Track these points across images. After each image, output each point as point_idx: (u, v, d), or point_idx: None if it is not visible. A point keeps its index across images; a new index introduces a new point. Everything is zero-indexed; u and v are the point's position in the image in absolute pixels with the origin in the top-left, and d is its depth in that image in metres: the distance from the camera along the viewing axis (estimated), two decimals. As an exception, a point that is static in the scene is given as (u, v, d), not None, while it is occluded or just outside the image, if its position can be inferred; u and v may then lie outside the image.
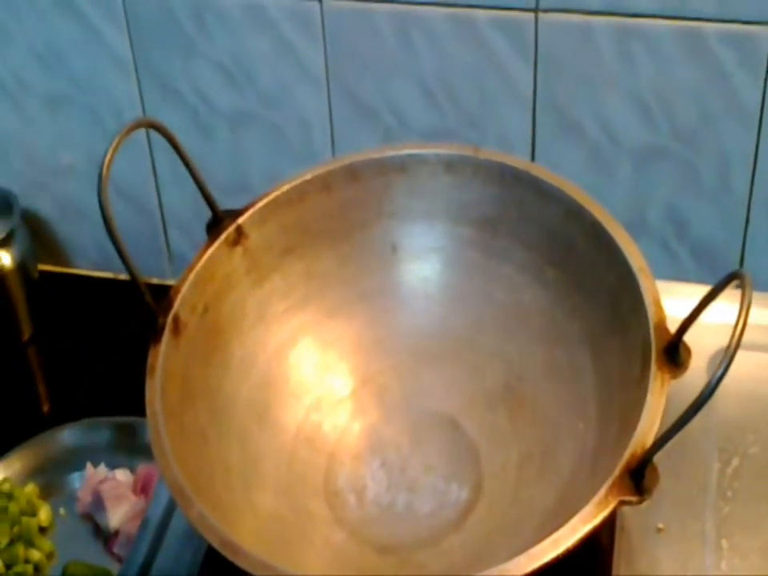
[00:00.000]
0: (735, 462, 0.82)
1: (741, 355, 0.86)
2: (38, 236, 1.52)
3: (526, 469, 0.78)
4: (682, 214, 1.27)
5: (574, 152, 1.26)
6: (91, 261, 1.54)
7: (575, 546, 0.64)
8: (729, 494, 0.80)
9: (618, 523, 0.79)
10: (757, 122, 1.18)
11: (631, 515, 0.80)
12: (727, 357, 0.61)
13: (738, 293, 0.64)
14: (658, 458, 0.78)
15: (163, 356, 0.72)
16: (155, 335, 0.73)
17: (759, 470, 0.82)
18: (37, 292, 1.48)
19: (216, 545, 0.65)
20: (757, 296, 0.90)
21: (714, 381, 0.60)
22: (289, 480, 0.79)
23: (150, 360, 0.72)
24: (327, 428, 0.82)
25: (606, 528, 0.78)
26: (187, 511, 0.67)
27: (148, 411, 0.70)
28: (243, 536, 0.67)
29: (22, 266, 1.43)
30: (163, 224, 1.49)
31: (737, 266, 1.28)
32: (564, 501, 0.72)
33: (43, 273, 1.52)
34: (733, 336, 0.62)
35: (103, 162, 0.71)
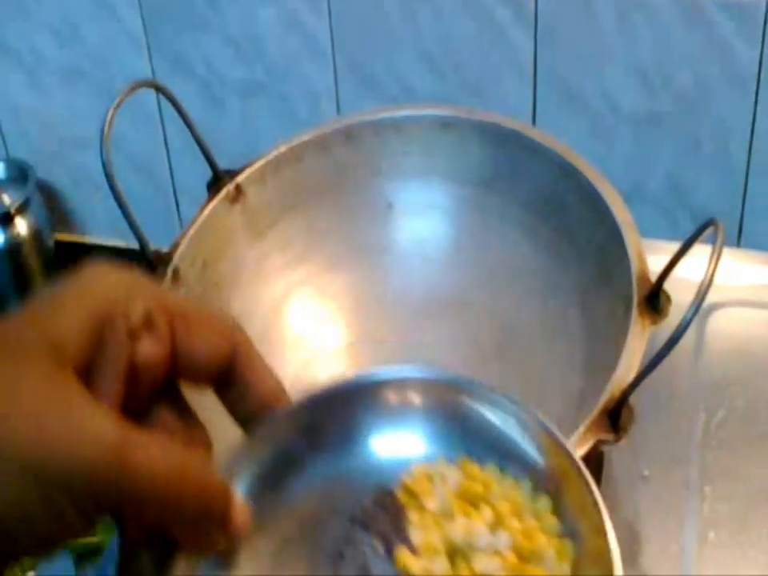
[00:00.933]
0: (721, 413, 0.84)
1: (730, 312, 0.89)
2: (53, 206, 1.55)
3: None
4: (682, 181, 1.29)
5: (574, 121, 1.28)
6: (105, 230, 1.57)
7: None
8: (713, 443, 0.82)
9: (604, 471, 0.81)
10: (754, 90, 1.20)
11: (617, 463, 0.82)
12: (699, 297, 0.63)
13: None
14: (646, 410, 0.80)
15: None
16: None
17: (744, 421, 0.83)
18: (52, 260, 1.50)
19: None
20: (749, 254, 0.92)
21: (687, 318, 0.62)
22: (267, 338, 0.82)
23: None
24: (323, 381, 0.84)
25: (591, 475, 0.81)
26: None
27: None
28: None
29: (37, 235, 1.46)
30: (175, 195, 1.51)
31: (736, 231, 1.30)
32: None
33: (58, 242, 1.55)
34: (705, 276, 0.64)
35: (105, 119, 0.74)
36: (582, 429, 0.67)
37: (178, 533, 0.55)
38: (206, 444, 0.57)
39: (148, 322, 0.52)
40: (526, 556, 0.62)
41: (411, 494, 0.64)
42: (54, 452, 0.47)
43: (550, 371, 0.80)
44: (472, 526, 0.62)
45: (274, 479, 0.62)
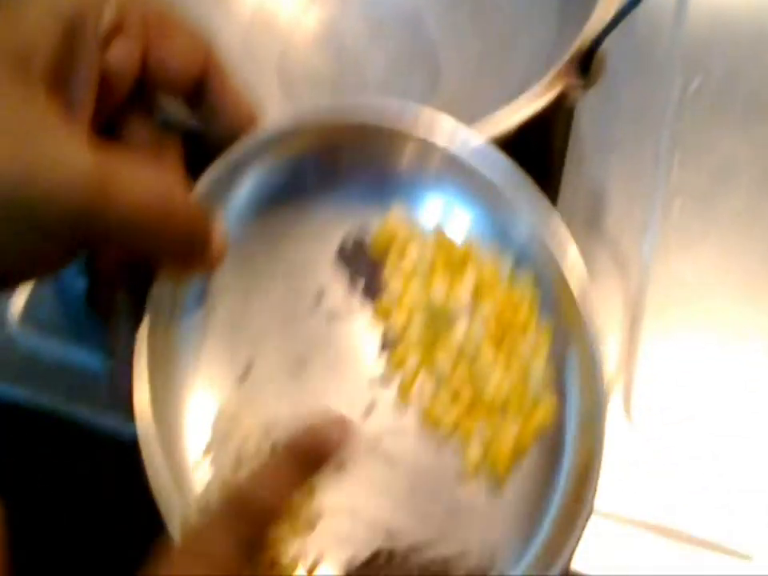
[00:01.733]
0: (697, 81, 0.81)
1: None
2: None
3: (483, 66, 0.77)
4: None
5: None
6: None
7: (519, 126, 0.64)
8: (687, 112, 0.80)
9: (572, 134, 0.79)
10: None
11: (587, 126, 0.79)
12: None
13: None
14: (621, 72, 0.78)
15: None
16: None
17: (720, 90, 0.81)
18: None
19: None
20: None
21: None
22: (243, 61, 0.76)
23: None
24: (284, 14, 0.80)
25: (558, 139, 0.78)
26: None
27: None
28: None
29: None
30: None
31: None
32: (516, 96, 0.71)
33: None
34: None
35: None
36: (551, 73, 0.64)
37: (157, 262, 0.53)
38: (179, 156, 0.55)
39: (120, 24, 0.49)
40: (507, 328, 0.60)
41: (389, 237, 0.62)
42: (27, 184, 0.43)
43: (523, 16, 0.77)
44: (454, 289, 0.60)
45: (250, 207, 0.60)
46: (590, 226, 0.76)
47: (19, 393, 0.67)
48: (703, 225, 0.76)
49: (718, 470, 0.68)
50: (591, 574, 0.65)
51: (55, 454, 0.71)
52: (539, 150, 0.77)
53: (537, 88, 0.64)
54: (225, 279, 0.59)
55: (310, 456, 0.52)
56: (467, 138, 0.60)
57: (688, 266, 0.74)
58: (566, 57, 0.64)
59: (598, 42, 0.63)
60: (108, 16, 0.49)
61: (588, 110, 0.79)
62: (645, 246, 0.75)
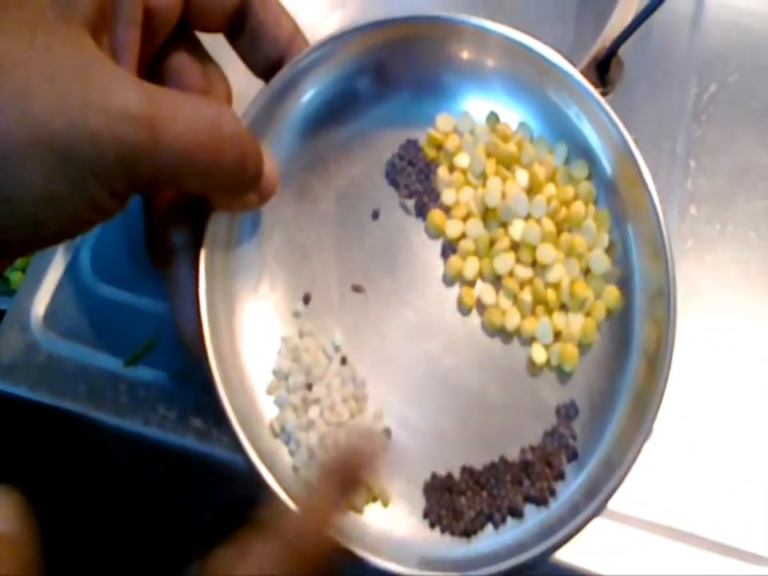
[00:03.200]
0: (713, 87, 0.81)
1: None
2: None
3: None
4: None
5: None
6: None
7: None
8: (703, 117, 0.80)
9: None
10: None
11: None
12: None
13: None
14: (637, 78, 0.78)
15: None
16: None
17: (736, 97, 0.81)
18: None
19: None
20: None
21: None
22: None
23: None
24: (306, 19, 0.78)
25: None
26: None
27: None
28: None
29: None
30: None
31: None
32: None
33: None
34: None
35: None
36: (569, 79, 0.64)
37: (213, 199, 0.52)
38: (226, 89, 0.55)
39: None
40: (563, 223, 0.60)
41: (438, 147, 0.61)
42: (79, 125, 0.43)
43: (541, 21, 0.77)
44: (507, 189, 0.60)
45: (300, 132, 0.60)
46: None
47: (42, 396, 0.68)
48: (719, 230, 0.76)
49: (737, 475, 0.68)
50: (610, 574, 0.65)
51: (78, 455, 0.71)
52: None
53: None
54: (279, 207, 0.59)
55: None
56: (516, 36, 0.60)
57: (705, 271, 0.74)
58: (584, 62, 0.65)
59: (615, 47, 0.64)
60: None
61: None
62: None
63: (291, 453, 0.56)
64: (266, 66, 0.56)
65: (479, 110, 0.62)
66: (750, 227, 0.76)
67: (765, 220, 0.76)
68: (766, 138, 0.79)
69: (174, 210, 0.53)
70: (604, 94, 0.64)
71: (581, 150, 0.60)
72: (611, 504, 0.59)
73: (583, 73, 0.64)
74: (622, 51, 0.64)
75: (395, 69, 0.60)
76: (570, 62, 0.59)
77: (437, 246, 0.61)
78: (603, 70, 0.64)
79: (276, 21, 0.55)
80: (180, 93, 0.49)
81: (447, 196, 0.62)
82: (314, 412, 0.58)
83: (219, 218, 0.55)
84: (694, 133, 0.79)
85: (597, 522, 0.63)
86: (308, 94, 0.60)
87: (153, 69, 0.52)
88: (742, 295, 0.73)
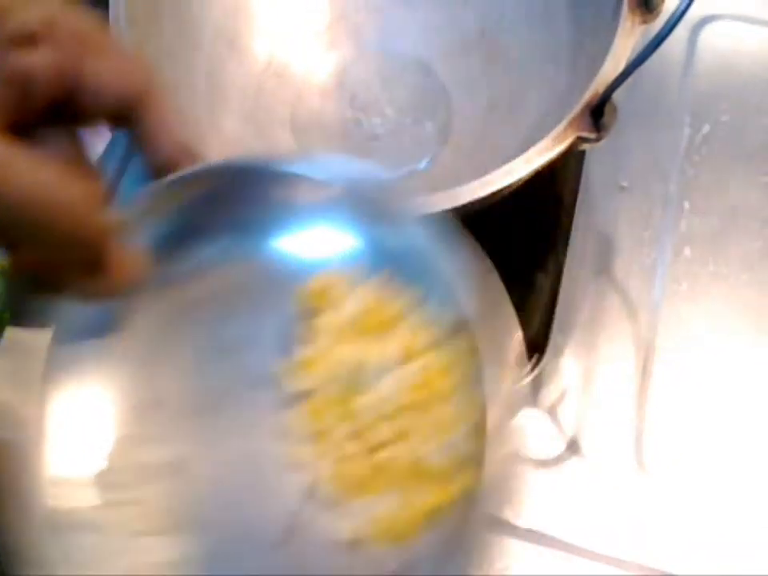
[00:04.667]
0: (706, 128, 0.82)
1: (723, 25, 0.86)
2: None
3: (494, 113, 0.78)
4: None
5: None
6: None
7: (529, 175, 0.64)
8: (696, 158, 0.81)
9: (583, 180, 0.79)
10: None
11: (597, 172, 0.80)
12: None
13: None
14: (630, 120, 0.78)
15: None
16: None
17: (728, 137, 0.82)
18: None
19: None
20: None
21: (680, 10, 0.58)
22: (256, 109, 0.78)
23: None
24: (297, 62, 0.81)
25: (569, 184, 0.79)
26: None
27: (110, 24, 0.68)
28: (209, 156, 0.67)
29: None
30: None
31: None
32: (528, 146, 0.72)
33: None
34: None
35: None
36: (562, 124, 0.64)
37: (53, 271, 0.51)
38: (96, 184, 0.53)
39: (47, 35, 0.48)
40: (434, 393, 0.58)
41: (314, 301, 0.60)
42: None
43: (532, 64, 0.78)
44: (380, 349, 0.58)
45: (176, 242, 0.58)
46: (600, 271, 0.76)
47: None
48: (713, 270, 0.76)
49: (731, 517, 0.68)
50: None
51: None
52: (549, 195, 0.77)
53: (549, 137, 0.64)
54: (146, 305, 0.57)
55: None
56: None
57: (698, 311, 0.75)
58: (578, 107, 0.65)
59: (609, 93, 0.64)
60: (30, 18, 0.47)
61: (598, 156, 0.79)
62: (655, 291, 0.75)
63: None
64: (150, 171, 0.56)
65: (372, 262, 0.60)
66: (743, 266, 0.76)
67: (758, 260, 0.76)
68: (759, 177, 0.80)
69: (28, 272, 0.53)
70: (598, 140, 0.64)
71: (465, 325, 0.58)
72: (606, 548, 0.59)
73: (577, 119, 0.65)
74: (616, 94, 0.64)
75: (280, 212, 0.59)
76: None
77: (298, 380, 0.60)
78: (597, 116, 0.64)
79: (168, 132, 0.54)
80: (33, 151, 0.48)
81: (321, 342, 0.60)
82: None
83: (73, 299, 0.54)
84: (688, 173, 0.80)
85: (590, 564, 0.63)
86: (189, 206, 0.58)
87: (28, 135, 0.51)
88: (735, 337, 0.73)
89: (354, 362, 0.58)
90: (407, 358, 0.58)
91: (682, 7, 0.58)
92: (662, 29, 0.60)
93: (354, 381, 0.58)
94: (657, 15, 0.69)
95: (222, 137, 0.74)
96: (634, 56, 0.63)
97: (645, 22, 0.68)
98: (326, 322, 0.59)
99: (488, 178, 0.63)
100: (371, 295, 0.59)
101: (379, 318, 0.59)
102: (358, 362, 0.58)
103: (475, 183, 0.63)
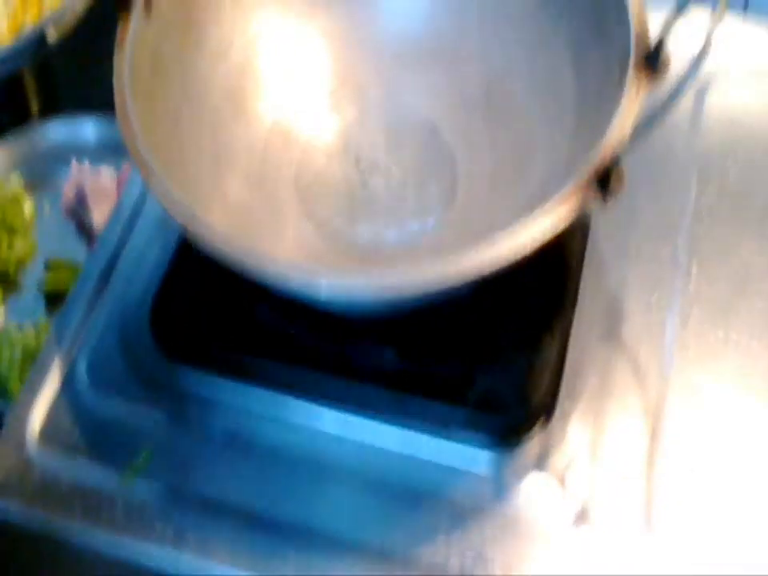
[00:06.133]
0: (713, 187, 0.81)
1: (730, 84, 0.85)
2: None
3: (499, 176, 0.77)
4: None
5: None
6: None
7: (534, 240, 0.63)
8: (704, 219, 0.80)
9: (589, 244, 0.79)
10: None
11: (604, 235, 0.79)
12: (702, 51, 0.58)
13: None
14: (637, 182, 0.77)
15: (134, 31, 0.70)
16: (124, 5, 0.70)
17: (736, 195, 0.81)
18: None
19: (183, 221, 0.65)
20: (755, 22, 0.88)
21: (689, 73, 0.57)
22: (261, 170, 0.78)
23: (118, 34, 0.70)
24: (303, 123, 0.81)
25: (575, 246, 0.78)
26: (153, 185, 0.66)
27: (115, 85, 0.68)
28: (212, 222, 0.67)
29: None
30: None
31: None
32: (534, 209, 0.71)
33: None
34: (708, 37, 0.59)
35: None
36: (568, 188, 0.64)
37: None
38: None
39: None
40: None
41: None
42: None
43: (539, 130, 0.77)
44: None
45: None
46: (608, 335, 0.75)
47: (35, 516, 0.67)
48: (722, 333, 0.75)
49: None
50: None
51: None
52: (556, 258, 0.76)
53: (555, 200, 0.64)
54: None
55: None
56: None
57: (708, 375, 0.74)
58: (584, 170, 0.64)
59: (616, 159, 0.63)
60: None
61: (605, 218, 0.78)
62: (664, 355, 0.74)
63: None
64: None
65: None
66: (752, 329, 0.75)
67: (767, 321, 0.75)
68: (766, 237, 0.79)
69: None
70: (604, 206, 0.63)
71: None
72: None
73: (583, 185, 0.64)
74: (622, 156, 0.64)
75: None
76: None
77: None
78: (604, 182, 0.64)
79: None
80: None
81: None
82: None
83: None
84: (696, 235, 0.79)
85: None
86: None
87: None
88: (745, 402, 0.73)
89: None
90: None
91: (690, 74, 0.57)
92: (672, 90, 0.59)
93: None
94: (663, 78, 0.68)
95: (227, 202, 0.74)
96: (640, 119, 0.63)
97: (651, 84, 0.67)
98: None
99: (491, 240, 0.63)
100: None
101: None
102: None
103: (480, 247, 0.62)
